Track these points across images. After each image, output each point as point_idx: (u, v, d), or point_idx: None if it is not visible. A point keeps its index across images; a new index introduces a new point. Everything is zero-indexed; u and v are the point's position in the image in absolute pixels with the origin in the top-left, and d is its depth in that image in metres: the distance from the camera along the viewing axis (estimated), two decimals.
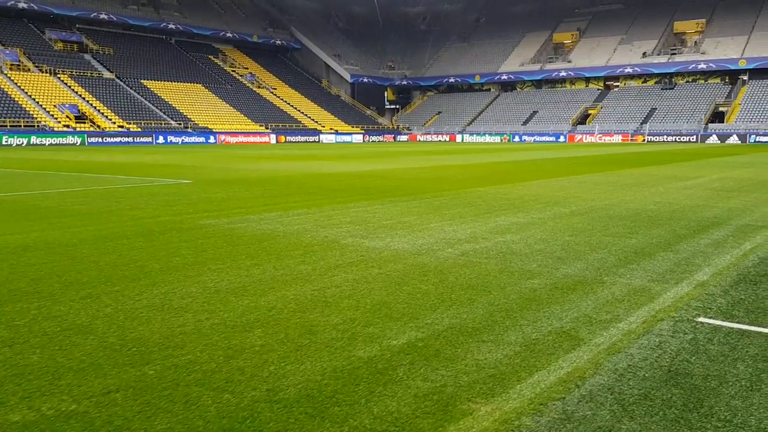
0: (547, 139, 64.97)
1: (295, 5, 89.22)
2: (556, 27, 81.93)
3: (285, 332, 3.89)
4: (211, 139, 58.91)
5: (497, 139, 67.51)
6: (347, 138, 68.64)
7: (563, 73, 73.58)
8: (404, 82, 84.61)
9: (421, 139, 72.51)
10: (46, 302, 4.51)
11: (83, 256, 6.08)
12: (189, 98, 66.91)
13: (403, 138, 73.73)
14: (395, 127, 78.81)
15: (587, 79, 74.41)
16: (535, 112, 71.76)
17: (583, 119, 68.50)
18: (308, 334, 3.86)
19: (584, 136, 63.75)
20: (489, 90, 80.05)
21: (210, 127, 61.86)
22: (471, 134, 70.43)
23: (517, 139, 66.83)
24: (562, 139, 64.35)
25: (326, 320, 4.14)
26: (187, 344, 3.66)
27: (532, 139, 65.67)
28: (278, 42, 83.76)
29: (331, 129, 70.77)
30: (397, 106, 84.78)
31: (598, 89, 73.30)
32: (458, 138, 70.17)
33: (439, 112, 78.51)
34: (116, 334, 3.82)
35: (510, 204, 10.41)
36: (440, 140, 70.87)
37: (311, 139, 65.97)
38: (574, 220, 8.62)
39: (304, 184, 14.15)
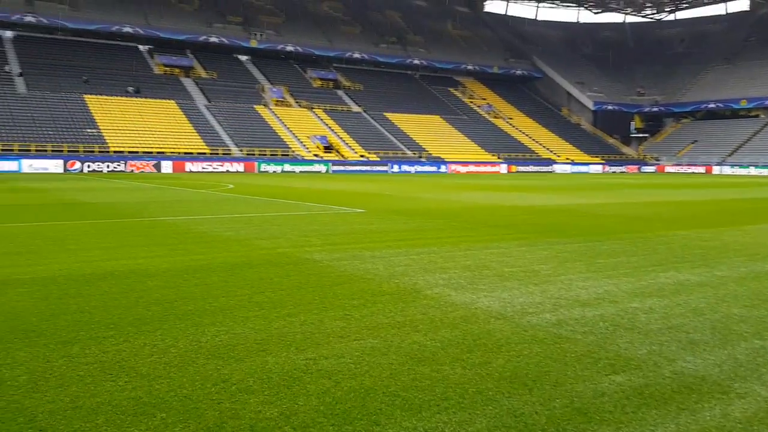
0: None
1: (538, 34, 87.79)
2: None
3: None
4: (442, 168, 59.73)
5: (765, 171, 58.58)
6: (584, 168, 64.95)
7: None
8: (655, 109, 78.01)
9: (671, 171, 65.83)
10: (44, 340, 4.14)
11: (142, 289, 5.77)
12: (426, 129, 68.86)
13: (649, 169, 67.63)
14: (641, 157, 72.75)
15: None
16: None
17: None
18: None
19: None
20: (757, 116, 70.20)
21: (442, 156, 62.83)
22: (732, 166, 62.14)
23: None
24: None
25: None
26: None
27: None
28: (518, 72, 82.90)
29: (567, 159, 67.63)
30: (645, 135, 78.34)
31: None
32: (715, 170, 62.36)
33: (695, 141, 70.75)
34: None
35: (699, 254, 8.23)
36: (693, 172, 63.63)
37: (544, 168, 63.61)
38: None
39: (471, 218, 12.99)
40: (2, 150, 46.16)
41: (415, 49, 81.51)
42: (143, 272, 6.59)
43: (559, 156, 68.48)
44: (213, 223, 11.33)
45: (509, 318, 4.91)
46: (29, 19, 60.93)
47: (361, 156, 60.00)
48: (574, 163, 66.15)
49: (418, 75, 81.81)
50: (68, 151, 47.95)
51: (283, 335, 4.39)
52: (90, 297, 5.48)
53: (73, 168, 46.38)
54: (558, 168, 64.35)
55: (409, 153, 63.09)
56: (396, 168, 58.44)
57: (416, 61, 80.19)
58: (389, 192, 22.85)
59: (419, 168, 59.39)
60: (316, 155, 58.22)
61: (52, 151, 47.44)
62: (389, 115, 69.77)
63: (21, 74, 56.52)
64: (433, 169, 59.73)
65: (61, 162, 46.09)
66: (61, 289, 5.78)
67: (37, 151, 46.98)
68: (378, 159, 59.76)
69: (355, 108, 70.19)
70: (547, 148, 70.28)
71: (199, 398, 3.29)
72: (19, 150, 46.50)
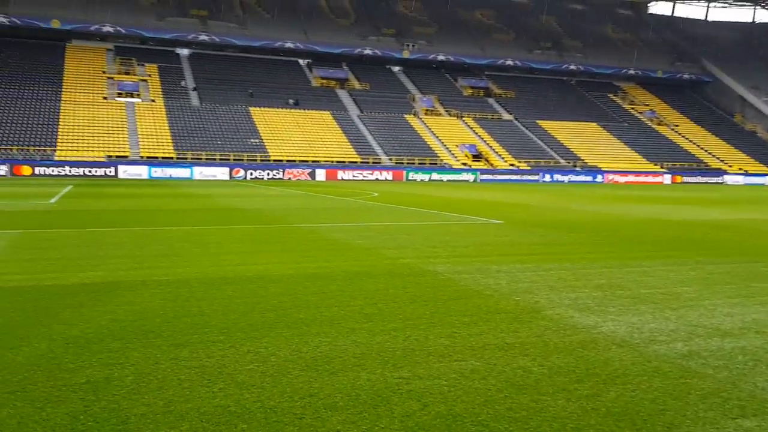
0: None
1: (708, 36, 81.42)
2: None
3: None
4: (598, 178, 57.07)
5: None
6: (759, 180, 59.08)
7: None
8: None
9: None
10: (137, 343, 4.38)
11: (262, 295, 5.93)
12: (581, 137, 66.20)
13: None
14: None
15: None
16: None
17: None
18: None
19: None
20: None
21: (599, 165, 60.02)
22: None
23: None
24: None
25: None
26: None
27: None
28: (686, 76, 77.40)
29: (739, 169, 61.90)
30: None
31: None
32: None
33: None
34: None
35: None
36: None
37: (713, 180, 58.65)
38: None
39: (617, 232, 12.14)
40: (177, 158, 50.53)
41: (571, 54, 78.81)
42: (269, 278, 6.78)
43: (730, 166, 62.92)
44: (347, 231, 11.53)
45: (633, 346, 4.44)
46: (203, 38, 66.35)
47: (511, 165, 58.90)
48: (747, 174, 60.45)
49: (575, 81, 78.98)
50: (234, 159, 51.52)
51: (383, 350, 4.27)
52: (213, 300, 5.70)
53: (237, 175, 49.73)
54: (729, 179, 59.12)
55: (563, 162, 60.97)
56: (548, 178, 56.72)
57: (573, 67, 77.50)
58: (534, 203, 22.11)
59: (573, 178, 57.21)
60: (464, 164, 57.99)
61: (220, 159, 51.23)
62: (542, 123, 67.95)
63: (195, 89, 61.66)
64: (588, 179, 57.26)
65: (227, 169, 49.60)
66: (191, 291, 6.08)
67: (207, 159, 50.93)
68: (528, 168, 58.35)
69: (506, 116, 69.10)
70: (717, 158, 64.84)
71: (284, 411, 3.25)
72: (192, 158, 50.65)
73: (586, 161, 60.91)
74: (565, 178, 56.72)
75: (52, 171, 45.51)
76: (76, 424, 3.07)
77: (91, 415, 3.19)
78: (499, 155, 60.67)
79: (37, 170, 45.25)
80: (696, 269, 7.75)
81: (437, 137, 61.92)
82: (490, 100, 71.94)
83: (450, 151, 60.12)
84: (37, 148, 48.01)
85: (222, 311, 5.31)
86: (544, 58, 77.67)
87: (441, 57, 73.80)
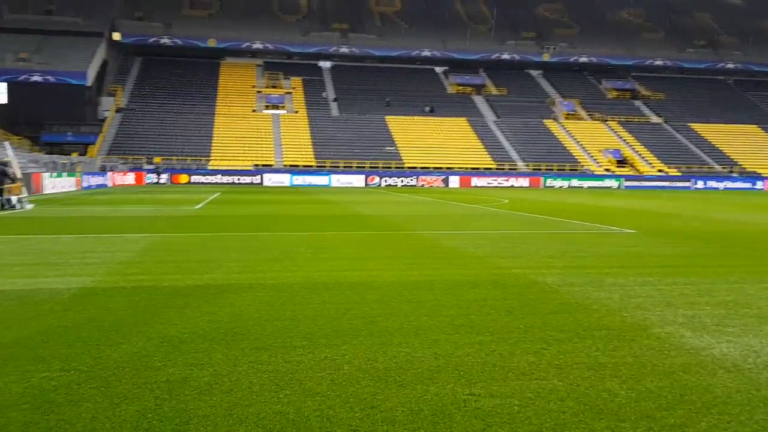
0: None
1: None
2: None
3: None
4: (758, 185, 52.26)
5: None
6: None
7: None
8: None
9: None
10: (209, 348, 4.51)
11: (356, 301, 5.92)
12: (739, 140, 61.03)
13: None
14: None
15: None
16: None
17: None
18: None
19: None
20: None
21: (759, 171, 54.97)
22: None
23: None
24: None
25: None
26: None
27: None
28: None
29: None
30: None
31: None
32: None
33: None
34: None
35: None
36: None
37: None
38: None
39: (759, 246, 10.96)
40: (317, 166, 52.53)
41: (728, 51, 73.02)
42: (368, 284, 6.78)
43: None
44: (464, 238, 11.32)
45: (744, 371, 3.92)
46: (344, 50, 68.62)
47: (659, 171, 55.49)
48: None
49: (732, 80, 73.06)
50: (369, 167, 52.68)
51: (461, 364, 4.09)
52: (308, 305, 5.78)
53: (372, 183, 50.80)
54: None
55: (718, 168, 56.53)
56: (700, 184, 52.81)
57: (729, 65, 71.79)
58: (677, 211, 20.59)
59: (729, 184, 52.84)
60: (607, 170, 55.42)
61: (356, 167, 52.59)
62: (694, 126, 63.44)
63: (335, 99, 63.85)
64: (747, 185, 52.63)
65: (363, 177, 50.81)
66: (291, 295, 6.20)
67: (344, 167, 52.49)
68: (679, 174, 54.67)
69: (655, 119, 65.27)
70: None
71: (340, 422, 3.19)
72: (330, 166, 52.43)
73: (744, 166, 55.97)
74: (720, 185, 52.45)
75: (206, 179, 48.99)
76: (142, 422, 3.19)
77: (159, 413, 3.29)
78: (647, 160, 57.32)
79: (193, 178, 48.91)
80: None
81: (578, 142, 59.65)
82: (637, 103, 68.24)
83: (592, 156, 57.68)
84: (194, 158, 51.92)
85: (312, 316, 5.35)
86: (697, 57, 72.53)
87: (583, 59, 71.16)
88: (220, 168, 50.68)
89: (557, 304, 5.89)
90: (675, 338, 4.73)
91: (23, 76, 54.26)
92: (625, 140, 60.40)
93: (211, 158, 52.29)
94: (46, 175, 29.42)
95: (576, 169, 54.98)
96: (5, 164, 20.18)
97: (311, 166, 52.47)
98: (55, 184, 30.18)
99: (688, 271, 7.88)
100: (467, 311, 5.56)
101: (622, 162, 56.77)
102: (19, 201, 19.21)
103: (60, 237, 11.09)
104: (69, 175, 32.61)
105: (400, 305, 5.78)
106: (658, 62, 71.07)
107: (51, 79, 54.45)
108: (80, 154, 50.42)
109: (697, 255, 9.47)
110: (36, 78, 54.25)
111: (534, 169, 54.25)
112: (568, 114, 64.54)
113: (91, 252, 9.19)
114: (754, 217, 18.14)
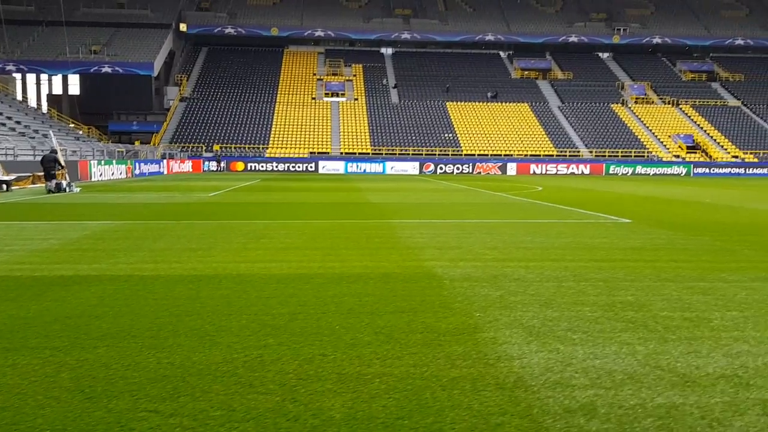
0: None
1: None
2: None
3: None
4: None
5: None
6: None
7: None
8: None
9: None
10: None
11: (190, 295, 5.53)
12: None
13: None
14: None
15: None
16: None
17: None
18: None
19: None
20: None
21: None
22: None
23: None
24: None
25: None
26: None
27: None
28: None
29: None
30: None
31: None
32: None
33: None
34: None
35: None
36: None
37: None
38: None
39: (759, 238, 9.78)
40: (372, 154, 52.33)
41: None
42: (248, 276, 6.36)
43: None
44: (432, 228, 10.70)
45: (527, 386, 3.27)
46: (405, 36, 67.93)
47: (734, 157, 52.19)
48: None
49: None
50: (426, 154, 52.03)
51: (196, 374, 3.63)
52: (148, 300, 5.43)
53: (428, 170, 50.16)
54: None
55: None
56: None
57: None
58: (724, 200, 19.06)
59: None
60: (676, 156, 52.59)
61: (412, 154, 52.04)
62: None
63: (395, 86, 63.36)
64: None
65: (417, 164, 50.25)
66: (139, 289, 5.87)
67: (400, 154, 52.06)
68: (756, 161, 51.21)
69: (733, 102, 61.40)
70: None
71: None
72: (386, 153, 52.12)
73: None
74: None
75: (262, 166, 49.74)
76: None
77: None
78: (721, 146, 53.98)
79: (249, 166, 49.75)
80: None
81: (647, 127, 56.84)
82: (714, 85, 64.32)
83: (661, 141, 54.84)
84: (252, 145, 52.79)
85: (134, 313, 4.99)
86: None
87: (657, 40, 67.61)
88: (277, 156, 51.30)
89: (420, 302, 5.29)
90: (494, 345, 4.09)
91: (94, 68, 56.63)
92: (698, 125, 57.08)
93: (270, 146, 53.00)
94: (94, 162, 30.47)
95: (643, 156, 52.40)
96: (56, 152, 21.29)
97: (367, 153, 52.30)
98: (104, 171, 31.24)
99: (620, 265, 7.04)
100: (309, 308, 5.06)
101: (693, 148, 53.69)
102: (69, 185, 20.46)
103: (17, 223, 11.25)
104: (118, 163, 33.69)
105: (241, 303, 5.30)
106: (739, 42, 66.58)
107: (120, 70, 56.58)
108: (144, 143, 52.30)
109: (662, 248, 8.51)
110: (106, 69, 56.49)
111: (597, 156, 52.09)
112: (637, 98, 61.58)
113: (17, 238, 9.19)
114: None
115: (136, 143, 51.34)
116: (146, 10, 63.46)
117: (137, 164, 36.47)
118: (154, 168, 39.43)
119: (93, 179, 29.77)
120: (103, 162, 31.61)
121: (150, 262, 7.16)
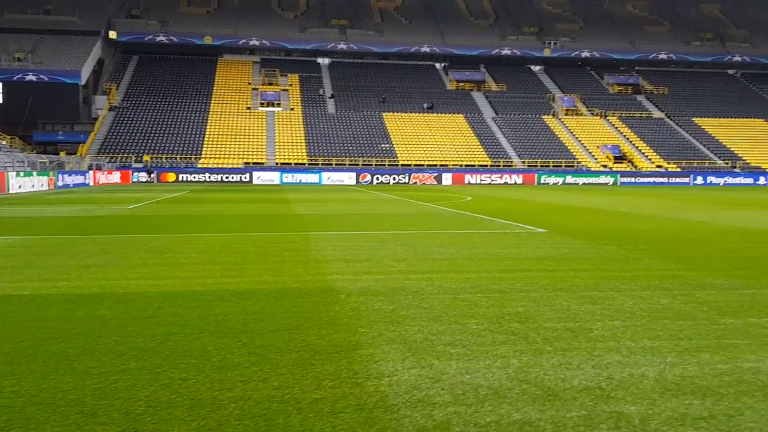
0: None
1: None
2: None
3: None
4: (761, 180, 50.73)
5: None
6: None
7: None
8: None
9: None
10: None
11: (59, 316, 5.25)
12: (745, 135, 59.46)
13: None
14: None
15: None
16: None
17: None
18: None
19: None
20: None
21: (764, 167, 53.38)
22: None
23: None
24: None
25: None
26: None
27: None
28: None
29: None
30: None
31: None
32: None
33: None
34: None
35: None
36: None
37: None
38: None
39: (662, 246, 10.08)
40: (309, 164, 52.00)
41: (736, 44, 71.21)
42: (123, 296, 6.10)
43: None
44: (348, 239, 10.61)
45: (392, 405, 3.17)
46: (342, 47, 67.99)
47: (658, 166, 54.18)
48: None
49: (740, 74, 71.25)
50: (362, 165, 52.01)
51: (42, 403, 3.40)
52: (14, 321, 5.11)
53: (364, 180, 50.12)
54: None
55: (720, 163, 55.06)
56: (699, 180, 51.45)
57: (737, 58, 69.96)
58: (639, 208, 19.65)
59: (730, 180, 51.40)
60: (604, 166, 54.21)
61: (349, 165, 51.94)
62: (698, 120, 61.95)
63: (332, 96, 63.23)
64: (748, 181, 51.14)
65: (354, 174, 50.15)
66: (11, 308, 5.55)
67: (336, 165, 51.88)
68: (678, 170, 53.33)
69: (657, 114, 63.83)
70: None
71: None
72: (322, 164, 51.87)
73: (748, 161, 54.39)
74: (721, 181, 50.99)
75: (194, 177, 48.65)
76: None
77: None
78: (646, 156, 55.99)
79: (181, 177, 48.60)
80: (673, 297, 5.96)
81: (576, 138, 58.46)
82: (639, 98, 66.77)
83: (589, 152, 56.48)
84: (184, 156, 51.63)
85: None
86: (703, 50, 70.78)
87: (585, 54, 69.79)
88: (210, 166, 50.35)
89: (306, 319, 5.16)
90: (369, 362, 3.99)
91: (18, 76, 54.43)
92: (624, 136, 59.08)
93: (202, 156, 51.97)
94: (12, 174, 29.16)
95: (572, 166, 53.82)
96: None
97: (303, 163, 51.92)
98: (23, 183, 29.93)
99: (521, 276, 7.09)
100: (187, 328, 4.86)
101: (620, 158, 55.49)
102: None
103: None
104: (40, 174, 32.36)
105: (113, 323, 5.05)
106: (663, 56, 69.43)
107: (45, 78, 54.52)
108: (70, 153, 50.45)
109: (566, 257, 8.65)
110: (30, 77, 54.35)
111: (529, 166, 53.20)
112: (567, 109, 63.31)
113: None
114: (712, 214, 17.14)
115: (62, 154, 49.49)
116: (74, 16, 61.44)
117: (60, 176, 35.11)
118: (79, 179, 38.05)
119: (11, 191, 28.46)
120: (22, 173, 30.28)
121: (35, 280, 6.79)
